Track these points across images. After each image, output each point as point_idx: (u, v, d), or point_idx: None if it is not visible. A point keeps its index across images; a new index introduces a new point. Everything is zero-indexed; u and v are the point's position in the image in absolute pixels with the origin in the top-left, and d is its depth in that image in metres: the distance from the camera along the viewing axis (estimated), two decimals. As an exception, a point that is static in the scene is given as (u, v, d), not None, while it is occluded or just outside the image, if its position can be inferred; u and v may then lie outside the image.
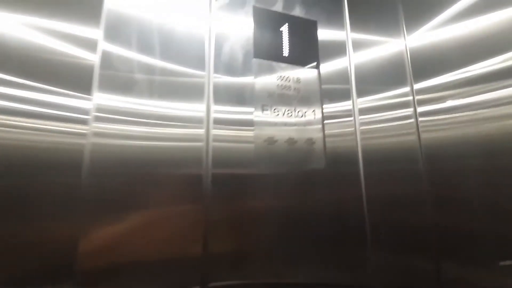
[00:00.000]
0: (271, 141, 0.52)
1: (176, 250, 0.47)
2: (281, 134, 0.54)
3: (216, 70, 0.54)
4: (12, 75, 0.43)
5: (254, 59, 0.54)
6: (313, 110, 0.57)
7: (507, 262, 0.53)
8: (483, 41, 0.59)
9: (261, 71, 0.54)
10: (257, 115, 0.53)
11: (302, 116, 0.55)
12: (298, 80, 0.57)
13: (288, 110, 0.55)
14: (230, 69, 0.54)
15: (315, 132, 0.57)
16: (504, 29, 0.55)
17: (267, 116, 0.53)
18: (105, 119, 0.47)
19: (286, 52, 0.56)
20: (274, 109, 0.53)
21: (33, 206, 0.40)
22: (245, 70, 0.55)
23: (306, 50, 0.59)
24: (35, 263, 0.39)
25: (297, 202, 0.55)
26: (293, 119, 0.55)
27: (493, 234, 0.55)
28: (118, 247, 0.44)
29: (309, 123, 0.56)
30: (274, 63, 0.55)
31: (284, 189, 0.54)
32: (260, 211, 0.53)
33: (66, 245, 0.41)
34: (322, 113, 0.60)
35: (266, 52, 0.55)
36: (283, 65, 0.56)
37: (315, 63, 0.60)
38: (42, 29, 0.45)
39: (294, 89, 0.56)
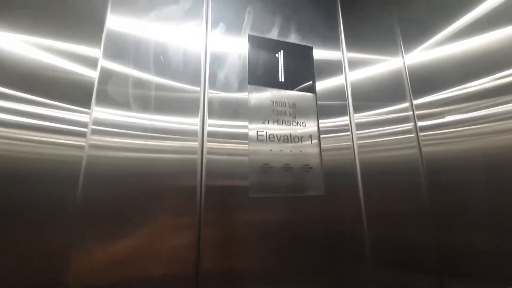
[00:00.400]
0: (266, 167, 0.52)
1: (169, 266, 0.46)
2: (277, 160, 0.53)
3: (211, 86, 0.55)
4: (18, 90, 0.45)
5: (249, 86, 0.55)
6: (310, 135, 0.57)
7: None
8: (479, 60, 0.61)
9: (256, 97, 0.55)
10: (252, 141, 0.53)
11: (298, 141, 0.55)
12: (294, 106, 0.57)
13: (284, 136, 0.54)
14: (224, 87, 0.55)
15: (312, 158, 0.56)
16: (498, 48, 0.57)
17: (262, 142, 0.53)
18: (103, 132, 0.49)
19: (281, 77, 0.56)
20: (270, 135, 0.53)
21: (30, 216, 0.41)
22: (239, 89, 0.56)
23: (302, 75, 0.59)
24: (29, 274, 0.40)
25: (294, 216, 0.55)
26: (289, 145, 0.54)
27: (495, 249, 0.53)
28: (112, 261, 0.43)
29: (305, 148, 0.56)
30: (269, 89, 0.55)
31: (280, 203, 0.54)
32: (254, 225, 0.52)
33: (59, 259, 0.41)
34: (319, 138, 0.59)
35: (261, 79, 0.55)
36: (278, 90, 0.56)
37: (311, 88, 0.60)
38: (47, 49, 0.49)
39: (290, 114, 0.56)
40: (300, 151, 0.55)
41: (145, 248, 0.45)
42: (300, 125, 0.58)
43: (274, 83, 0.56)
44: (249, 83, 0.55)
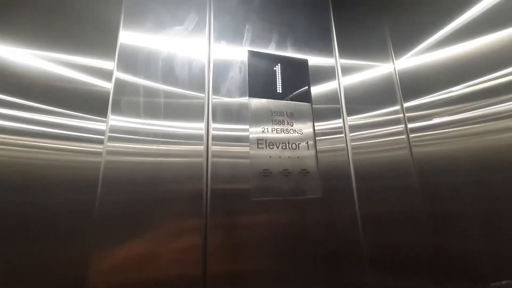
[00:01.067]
0: (266, 172, 0.55)
1: (179, 267, 0.49)
2: (276, 166, 0.57)
3: (215, 93, 0.59)
4: (37, 102, 0.49)
5: (250, 99, 0.59)
6: (306, 142, 0.61)
7: (497, 284, 0.55)
8: (466, 64, 0.65)
9: (256, 109, 0.59)
10: (253, 148, 0.57)
11: (296, 148, 0.59)
12: (291, 115, 0.61)
13: (282, 143, 0.58)
14: (226, 94, 0.60)
15: (309, 163, 0.60)
16: (482, 54, 0.61)
17: (262, 149, 0.57)
18: (118, 138, 0.52)
19: (279, 89, 0.61)
20: (269, 143, 0.57)
21: (50, 223, 0.44)
22: (240, 94, 0.60)
23: (298, 86, 0.64)
24: (50, 279, 0.41)
25: (294, 217, 0.58)
26: (287, 152, 0.58)
27: (487, 250, 0.58)
28: (128, 262, 0.45)
29: (302, 154, 0.59)
30: (268, 100, 0.60)
31: (280, 206, 0.57)
32: (256, 226, 0.55)
33: (79, 264, 0.43)
34: (315, 145, 0.63)
35: (260, 90, 0.60)
36: (276, 101, 0.60)
37: (307, 98, 0.64)
38: (64, 63, 0.53)
39: (288, 123, 0.60)
40: (298, 157, 0.59)
41: (157, 250, 0.48)
42: (297, 133, 0.62)
43: (273, 94, 0.61)
44: (249, 95, 0.59)
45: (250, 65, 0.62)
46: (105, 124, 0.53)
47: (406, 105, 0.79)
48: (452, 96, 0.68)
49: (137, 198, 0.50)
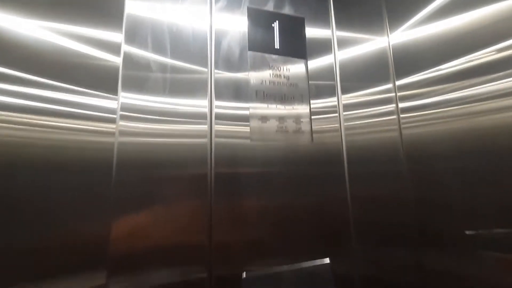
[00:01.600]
0: (264, 119, 0.60)
1: (187, 235, 0.51)
2: (273, 114, 0.61)
3: (216, 66, 0.59)
4: (45, 78, 0.47)
5: (249, 52, 0.62)
6: (301, 94, 0.65)
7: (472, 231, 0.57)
8: (463, 38, 0.61)
9: (255, 62, 0.62)
10: (252, 99, 0.60)
11: (291, 99, 0.64)
12: (288, 70, 0.64)
13: (279, 95, 0.62)
14: (228, 62, 0.60)
15: (302, 113, 0.64)
16: (483, 25, 0.58)
17: (261, 99, 0.61)
18: (130, 117, 0.51)
19: (277, 45, 0.64)
20: (267, 94, 0.61)
21: (73, 200, 0.44)
22: (242, 63, 0.61)
23: (295, 44, 0.67)
24: (74, 250, 0.43)
25: (288, 195, 0.60)
26: (283, 102, 0.63)
27: (469, 225, 0.58)
28: (143, 234, 0.48)
29: (297, 105, 0.64)
30: (267, 55, 0.63)
31: (276, 182, 0.59)
32: (258, 203, 0.57)
33: (100, 234, 0.45)
34: (309, 97, 0.66)
35: (259, 46, 0.63)
36: (274, 56, 0.63)
37: (303, 55, 0.67)
38: (71, 35, 0.50)
39: (284, 76, 0.64)
40: (292, 108, 0.64)
41: (170, 221, 0.50)
42: (293, 87, 0.65)
43: (271, 50, 0.63)
44: (249, 49, 0.61)
45: (249, 21, 0.64)
46: (116, 102, 0.51)
47: (398, 83, 0.75)
48: (442, 74, 0.65)
49: (150, 176, 0.50)
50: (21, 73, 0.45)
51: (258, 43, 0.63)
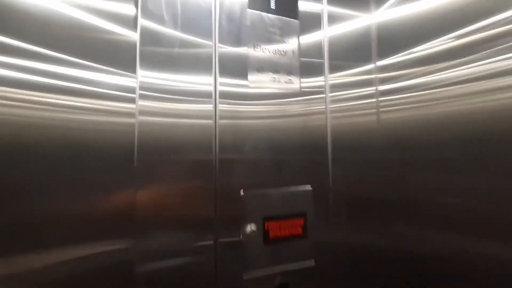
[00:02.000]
0: (260, 69, 0.66)
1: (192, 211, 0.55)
2: (268, 64, 0.67)
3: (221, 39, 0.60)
4: (63, 53, 0.46)
5: (248, 10, 0.66)
6: (292, 50, 0.71)
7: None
8: (433, 21, 0.61)
9: (253, 20, 0.67)
10: (250, 51, 0.66)
11: (284, 54, 0.70)
12: (281, 28, 0.70)
13: (273, 48, 0.69)
14: (231, 33, 0.62)
15: (293, 62, 0.70)
16: (450, 8, 0.57)
17: (258, 51, 0.66)
18: (149, 97, 0.51)
19: (273, 5, 0.69)
20: (263, 48, 0.67)
21: (99, 180, 0.47)
22: (242, 33, 0.63)
23: (289, 5, 0.72)
24: (104, 219, 0.47)
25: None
26: (277, 55, 0.69)
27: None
28: (162, 206, 0.52)
29: (289, 57, 0.71)
30: (264, 14, 0.68)
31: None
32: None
33: (125, 204, 0.49)
34: (299, 50, 0.70)
35: (258, 5, 0.68)
36: (270, 15, 0.68)
37: (295, 15, 0.72)
38: (87, 8, 0.48)
39: (279, 34, 0.69)
40: (285, 58, 0.69)
41: (185, 193, 0.54)
42: (285, 42, 0.70)
43: (268, 9, 0.69)
44: (248, 7, 0.66)
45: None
46: (135, 80, 0.51)
47: (379, 63, 0.74)
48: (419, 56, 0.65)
49: (169, 156, 0.53)
50: (34, 46, 0.44)
51: (257, 3, 0.68)
